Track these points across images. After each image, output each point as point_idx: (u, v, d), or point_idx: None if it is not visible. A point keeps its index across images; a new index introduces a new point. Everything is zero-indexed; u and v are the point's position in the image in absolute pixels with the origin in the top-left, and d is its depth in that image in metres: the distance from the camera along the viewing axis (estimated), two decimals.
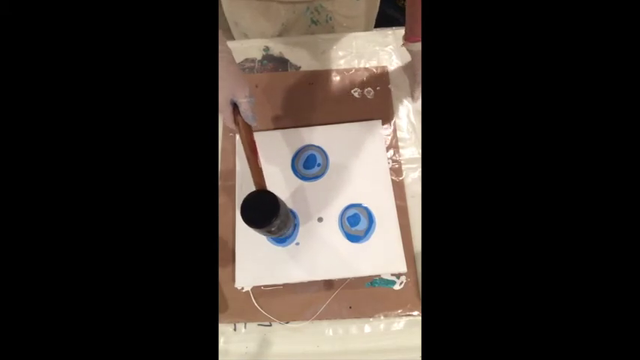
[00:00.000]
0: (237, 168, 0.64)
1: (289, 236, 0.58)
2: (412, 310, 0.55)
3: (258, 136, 0.65)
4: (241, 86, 0.50)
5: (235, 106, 0.51)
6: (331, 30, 0.80)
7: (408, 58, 0.73)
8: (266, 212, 0.46)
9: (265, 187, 0.50)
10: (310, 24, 0.79)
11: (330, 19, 0.78)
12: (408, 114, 0.68)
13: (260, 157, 0.63)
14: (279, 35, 0.79)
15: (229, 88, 0.49)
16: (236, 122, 0.52)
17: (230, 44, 0.76)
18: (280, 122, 0.68)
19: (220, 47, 0.52)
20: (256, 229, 0.47)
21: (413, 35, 0.64)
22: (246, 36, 0.81)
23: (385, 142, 0.64)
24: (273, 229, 0.48)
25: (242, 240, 0.59)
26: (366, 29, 0.83)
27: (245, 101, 0.49)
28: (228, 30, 0.82)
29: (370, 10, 0.82)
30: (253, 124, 0.52)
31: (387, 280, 0.57)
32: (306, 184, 0.62)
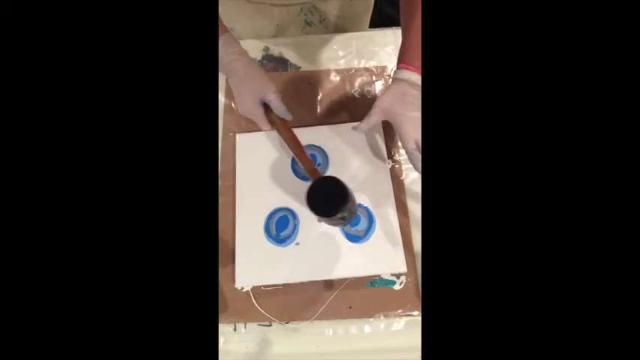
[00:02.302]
0: (237, 168, 0.64)
1: (289, 236, 0.58)
2: (412, 310, 0.55)
3: (258, 136, 0.66)
4: (266, 83, 0.48)
5: (266, 106, 0.49)
6: (325, 31, 0.80)
7: None
8: (334, 199, 0.42)
9: (320, 174, 0.47)
10: (304, 25, 0.79)
11: (324, 19, 0.78)
12: None
13: (260, 157, 0.63)
14: (274, 37, 0.79)
15: (256, 89, 0.47)
16: (272, 121, 0.50)
17: None
18: None
19: (235, 49, 0.50)
20: (326, 218, 0.43)
21: (412, 62, 0.50)
22: (241, 38, 0.81)
23: (385, 142, 0.64)
24: (345, 214, 0.44)
25: (242, 240, 0.59)
26: (360, 29, 0.83)
27: (274, 97, 0.48)
28: None
29: (364, 11, 0.82)
30: (289, 118, 0.50)
31: (387, 280, 0.57)
32: (306, 184, 0.62)
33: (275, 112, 0.49)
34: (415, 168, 0.51)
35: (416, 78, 0.48)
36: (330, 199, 0.42)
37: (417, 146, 0.49)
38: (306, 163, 0.49)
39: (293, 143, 0.50)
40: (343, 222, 0.46)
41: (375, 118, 0.53)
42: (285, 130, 0.50)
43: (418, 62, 0.48)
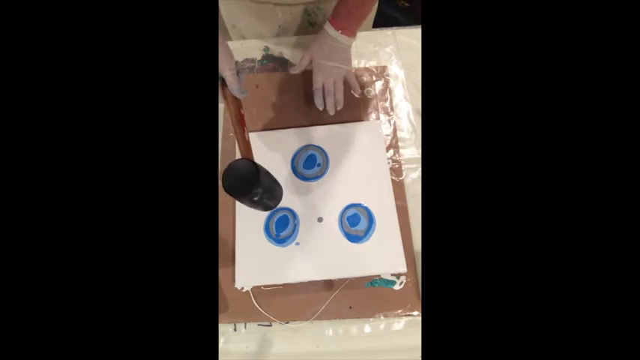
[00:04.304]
0: None
1: (289, 236, 0.58)
2: (412, 310, 0.55)
3: (258, 137, 0.66)
4: (226, 59, 0.49)
5: (223, 81, 0.50)
6: None
7: (407, 57, 0.73)
8: (246, 181, 0.43)
9: (251, 157, 0.48)
10: (307, 26, 0.79)
11: (328, 20, 0.78)
12: (408, 114, 0.68)
13: (260, 157, 0.63)
14: (277, 37, 0.79)
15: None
16: (225, 96, 0.51)
17: (229, 44, 0.76)
18: (280, 122, 0.68)
19: None
20: (238, 197, 0.44)
21: (337, 21, 0.61)
22: (243, 38, 0.81)
23: (385, 142, 0.64)
24: (255, 198, 0.45)
25: (242, 240, 0.59)
26: (364, 29, 0.83)
27: (230, 74, 0.49)
28: (225, 31, 0.82)
29: None
30: (240, 96, 0.51)
31: (387, 280, 0.57)
32: (306, 184, 0.62)
33: (229, 88, 0.49)
34: (316, 103, 0.63)
35: (338, 35, 0.61)
36: (243, 179, 0.43)
37: (322, 86, 0.63)
38: (242, 143, 0.49)
39: (236, 120, 0.50)
40: (262, 204, 0.47)
41: (304, 61, 0.65)
42: (233, 106, 0.51)
43: (344, 23, 0.61)
